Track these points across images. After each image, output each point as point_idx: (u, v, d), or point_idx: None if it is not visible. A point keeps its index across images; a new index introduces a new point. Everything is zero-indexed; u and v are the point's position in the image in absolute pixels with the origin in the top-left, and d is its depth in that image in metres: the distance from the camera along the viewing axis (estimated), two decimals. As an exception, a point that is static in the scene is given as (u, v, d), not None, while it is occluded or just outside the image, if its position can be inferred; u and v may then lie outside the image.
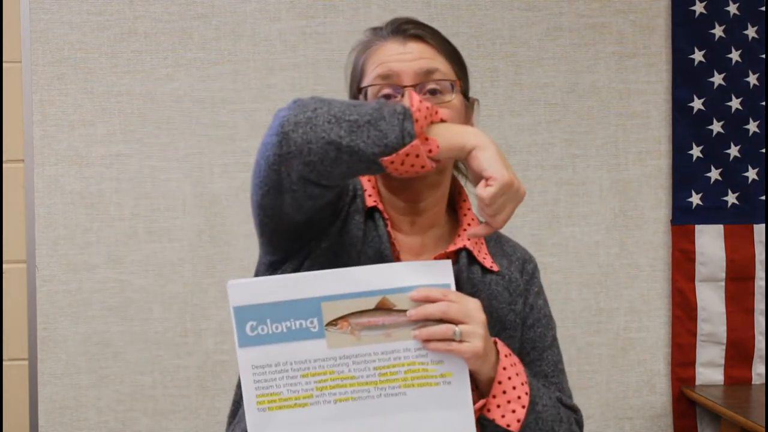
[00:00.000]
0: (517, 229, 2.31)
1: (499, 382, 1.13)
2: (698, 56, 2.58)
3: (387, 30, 1.25)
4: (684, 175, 2.60)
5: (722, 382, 2.61)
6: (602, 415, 2.60)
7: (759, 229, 2.62)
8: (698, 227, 2.60)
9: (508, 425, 1.13)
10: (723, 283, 2.61)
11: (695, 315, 2.60)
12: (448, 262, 1.12)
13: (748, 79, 2.60)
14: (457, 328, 1.07)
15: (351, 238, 1.20)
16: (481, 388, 1.14)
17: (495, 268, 1.26)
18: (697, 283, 2.60)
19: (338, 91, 2.47)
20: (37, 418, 2.43)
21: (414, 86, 1.19)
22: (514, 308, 1.26)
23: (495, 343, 1.15)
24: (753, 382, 2.63)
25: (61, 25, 2.43)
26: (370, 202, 1.23)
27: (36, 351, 2.43)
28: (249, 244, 2.27)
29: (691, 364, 2.61)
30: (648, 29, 2.59)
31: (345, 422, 1.08)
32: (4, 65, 2.42)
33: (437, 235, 1.28)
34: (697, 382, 2.61)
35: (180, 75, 2.46)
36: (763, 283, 2.62)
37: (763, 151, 2.62)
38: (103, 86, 2.45)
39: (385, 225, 1.22)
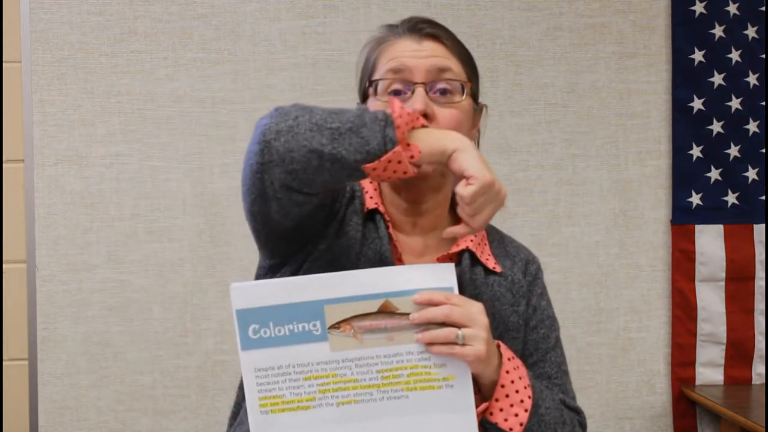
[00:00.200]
0: (517, 229, 2.32)
1: (502, 386, 1.12)
2: (698, 56, 2.58)
3: (402, 27, 1.25)
4: (684, 175, 2.60)
5: (722, 382, 2.61)
6: (602, 415, 2.60)
7: (759, 229, 2.62)
8: (698, 227, 2.60)
9: (511, 429, 1.12)
10: (723, 283, 2.61)
11: (695, 315, 2.60)
12: (451, 266, 1.11)
13: (748, 79, 2.60)
14: (459, 332, 1.07)
15: (349, 239, 1.20)
16: (483, 391, 1.14)
17: (498, 269, 1.26)
18: (697, 283, 2.60)
19: (338, 90, 2.48)
20: (37, 418, 2.43)
21: (425, 84, 1.19)
22: (517, 309, 1.25)
23: (498, 346, 1.15)
24: (753, 382, 2.63)
25: (61, 25, 2.43)
26: (371, 204, 1.23)
27: (36, 351, 2.43)
28: (249, 244, 2.27)
29: (691, 364, 2.61)
30: (648, 29, 2.59)
31: (347, 425, 1.08)
32: (4, 65, 2.42)
33: (440, 236, 1.27)
34: (697, 382, 2.61)
35: (180, 75, 2.46)
36: (763, 283, 2.62)
37: (763, 151, 2.62)
38: (103, 86, 2.45)
39: (386, 227, 1.22)
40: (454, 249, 1.23)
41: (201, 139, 2.46)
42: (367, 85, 1.24)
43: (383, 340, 1.07)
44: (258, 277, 1.26)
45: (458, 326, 1.07)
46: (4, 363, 2.41)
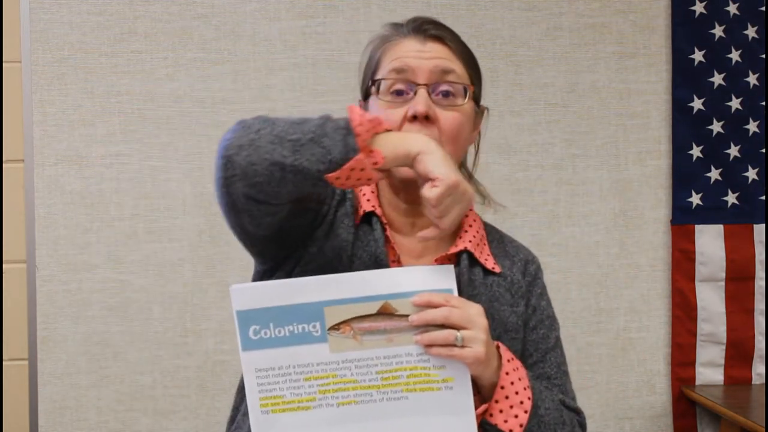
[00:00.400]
0: (517, 229, 2.31)
1: (502, 387, 1.12)
2: (698, 56, 2.58)
3: (407, 27, 1.25)
4: (684, 175, 2.60)
5: (722, 382, 2.61)
6: (602, 415, 2.60)
7: (759, 229, 2.62)
8: (698, 227, 2.60)
9: (511, 430, 1.12)
10: (723, 283, 2.61)
11: (695, 315, 2.60)
12: (451, 267, 1.12)
13: (748, 79, 2.60)
14: (458, 334, 1.07)
15: (340, 242, 1.20)
16: (483, 393, 1.14)
17: (497, 269, 1.26)
18: (697, 283, 2.60)
19: (338, 90, 2.47)
20: (37, 418, 2.44)
21: (427, 85, 1.19)
22: (516, 310, 1.25)
23: (497, 347, 1.15)
24: (753, 382, 2.63)
25: (61, 25, 2.43)
26: (367, 206, 1.23)
27: (36, 351, 2.43)
28: (249, 244, 2.26)
29: (691, 364, 2.61)
30: (648, 29, 2.59)
31: (347, 426, 1.09)
32: (4, 65, 2.42)
33: (439, 237, 1.28)
34: (697, 382, 2.61)
35: (180, 75, 2.46)
36: (763, 283, 2.62)
37: (763, 151, 2.62)
38: (103, 86, 2.45)
39: (383, 229, 1.22)
40: (453, 250, 1.23)
41: (201, 139, 2.46)
42: (369, 84, 1.24)
43: (383, 342, 1.08)
44: (254, 281, 1.26)
45: (457, 328, 1.07)
46: (4, 363, 2.41)
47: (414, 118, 1.18)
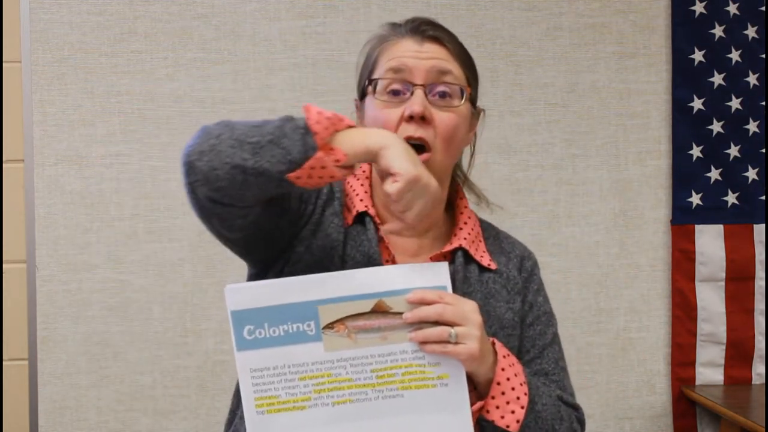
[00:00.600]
0: (517, 229, 2.30)
1: (498, 383, 1.13)
2: (698, 56, 2.58)
3: (406, 28, 1.25)
4: (684, 175, 2.60)
5: (722, 382, 2.61)
6: (602, 415, 2.60)
7: (759, 229, 2.62)
8: (698, 227, 2.60)
9: (508, 426, 1.13)
10: (723, 283, 2.61)
11: (695, 315, 2.60)
12: (445, 264, 1.12)
13: (748, 79, 2.60)
14: (452, 330, 1.07)
15: (331, 241, 1.20)
16: (479, 389, 1.14)
17: (492, 266, 1.26)
18: (697, 283, 2.60)
19: (338, 90, 2.47)
20: (37, 418, 2.44)
21: (424, 86, 1.19)
22: (512, 307, 1.25)
23: (493, 344, 1.15)
24: (753, 382, 2.63)
25: (61, 25, 2.43)
26: (360, 206, 1.23)
27: (36, 351, 2.43)
28: (249, 244, 2.27)
29: (691, 364, 2.61)
30: (648, 29, 2.59)
31: (343, 425, 1.09)
32: (4, 65, 2.42)
33: (434, 235, 1.28)
34: (697, 382, 2.61)
35: (180, 75, 2.46)
36: (763, 283, 2.62)
37: (763, 151, 2.62)
38: (103, 86, 2.45)
39: (376, 229, 1.22)
40: (448, 247, 1.24)
41: (201, 139, 2.46)
42: (366, 83, 1.24)
43: (377, 340, 1.08)
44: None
45: (451, 325, 1.08)
46: (4, 363, 2.41)
47: (410, 118, 1.18)
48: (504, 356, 1.15)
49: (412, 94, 1.19)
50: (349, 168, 1.08)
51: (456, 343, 1.07)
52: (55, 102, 2.44)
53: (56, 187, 2.44)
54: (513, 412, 1.13)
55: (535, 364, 1.26)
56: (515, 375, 1.14)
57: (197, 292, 2.47)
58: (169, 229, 2.47)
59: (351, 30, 2.48)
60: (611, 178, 2.59)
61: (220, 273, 2.47)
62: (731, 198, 2.61)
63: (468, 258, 1.25)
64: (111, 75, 2.45)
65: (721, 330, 2.61)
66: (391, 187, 1.05)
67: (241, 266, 2.59)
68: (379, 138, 1.08)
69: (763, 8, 2.59)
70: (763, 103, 2.61)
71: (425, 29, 1.24)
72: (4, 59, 2.42)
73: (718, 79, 2.59)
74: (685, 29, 2.58)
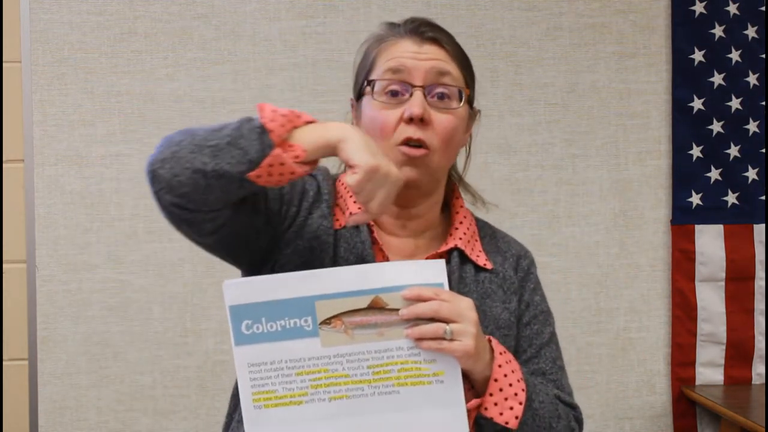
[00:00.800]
0: (517, 229, 2.30)
1: (495, 380, 1.13)
2: (698, 56, 2.58)
3: (404, 28, 1.25)
4: (684, 175, 2.60)
5: (722, 382, 2.61)
6: (602, 415, 2.60)
7: (759, 229, 2.62)
8: (698, 227, 2.60)
9: (507, 423, 1.12)
10: (723, 283, 2.61)
11: (695, 315, 2.60)
12: (442, 262, 1.12)
13: (748, 79, 2.60)
14: (448, 327, 1.07)
15: (320, 244, 1.20)
16: (476, 387, 1.14)
17: (488, 265, 1.26)
18: (697, 283, 2.60)
19: (338, 90, 2.47)
20: (37, 418, 2.44)
21: (423, 87, 1.19)
22: (508, 306, 1.25)
23: (489, 341, 1.15)
24: (753, 382, 2.63)
25: (61, 25, 2.43)
26: (353, 208, 1.22)
27: (36, 351, 2.43)
28: (249, 244, 2.27)
29: (691, 364, 2.61)
30: (648, 29, 2.59)
31: (339, 420, 1.09)
32: (4, 65, 2.42)
33: (431, 236, 1.28)
34: (697, 382, 2.61)
35: (180, 75, 2.47)
36: (763, 283, 2.62)
37: (763, 151, 2.62)
38: (103, 86, 2.45)
39: (370, 231, 1.22)
40: (443, 248, 1.24)
41: (201, 139, 2.46)
42: (365, 84, 1.23)
43: (373, 336, 1.08)
44: None
45: (447, 322, 1.08)
46: (4, 363, 2.41)
47: (410, 119, 1.18)
48: (501, 353, 1.15)
49: (411, 95, 1.19)
50: (311, 163, 1.09)
51: (451, 340, 1.07)
52: (55, 102, 2.44)
53: (56, 187, 2.44)
54: (511, 408, 1.13)
55: (532, 364, 1.25)
56: (512, 372, 1.14)
57: (197, 292, 2.47)
58: (169, 229, 2.43)
59: (351, 30, 2.48)
60: (611, 178, 2.59)
61: (220, 273, 2.46)
62: (731, 198, 2.61)
63: (464, 258, 1.25)
64: (111, 75, 2.45)
65: (721, 330, 2.61)
66: (350, 179, 1.05)
67: (241, 266, 2.58)
68: (338, 131, 1.08)
69: (763, 8, 2.59)
70: (763, 103, 2.61)
71: (424, 30, 1.24)
72: (4, 59, 2.43)
73: (718, 79, 2.59)
74: (685, 29, 2.58)
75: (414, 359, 1.08)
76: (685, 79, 2.58)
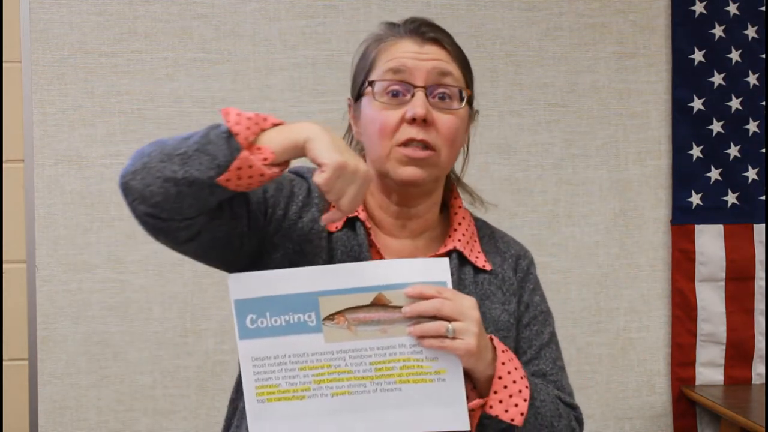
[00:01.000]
0: (517, 229, 2.31)
1: (500, 377, 1.12)
2: (698, 56, 2.58)
3: (405, 28, 1.24)
4: (684, 175, 2.60)
5: (722, 382, 2.61)
6: (602, 415, 2.60)
7: (759, 229, 2.62)
8: (698, 227, 2.60)
9: (512, 420, 1.12)
10: (723, 283, 2.61)
11: (695, 315, 2.60)
12: (445, 260, 1.12)
13: (748, 79, 2.61)
14: (450, 326, 1.07)
15: (313, 248, 1.20)
16: (479, 387, 1.14)
17: (488, 267, 1.26)
18: (697, 283, 2.60)
19: (338, 90, 2.47)
20: (37, 418, 2.44)
21: (425, 87, 1.19)
22: (508, 308, 1.25)
23: (491, 339, 1.15)
24: (753, 382, 2.63)
25: (61, 25, 2.43)
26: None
27: (36, 351, 2.43)
28: (249, 244, 2.26)
29: (691, 364, 2.61)
30: (648, 29, 2.59)
31: (341, 416, 1.09)
32: (4, 65, 2.42)
33: (430, 237, 1.28)
34: (697, 382, 2.61)
35: (180, 75, 2.46)
36: (763, 283, 2.62)
37: (763, 151, 2.62)
38: (103, 86, 2.45)
39: (367, 234, 1.22)
40: (442, 250, 1.24)
41: (201, 139, 2.46)
42: (366, 85, 1.23)
43: (376, 333, 1.08)
44: None
45: (449, 320, 1.08)
46: (4, 363, 2.41)
47: (413, 120, 1.17)
48: (503, 351, 1.15)
49: (412, 96, 1.19)
50: (282, 165, 1.09)
51: (453, 338, 1.07)
52: (55, 102, 2.44)
53: (56, 187, 2.44)
54: (516, 405, 1.13)
55: (532, 365, 1.25)
56: (515, 369, 1.14)
57: (197, 292, 2.47)
58: (169, 229, 2.46)
59: (351, 30, 2.48)
60: (611, 178, 2.59)
61: (219, 273, 2.44)
62: (731, 198, 2.61)
63: (462, 260, 1.25)
64: (111, 75, 2.45)
65: (721, 330, 2.61)
66: (317, 177, 1.05)
67: (241, 266, 2.57)
68: (305, 131, 1.07)
69: (763, 8, 2.59)
70: (763, 103, 2.61)
71: (425, 30, 1.23)
72: (4, 59, 2.42)
73: (718, 79, 2.59)
74: (685, 29, 2.58)
75: (416, 357, 1.09)
76: (685, 79, 2.58)
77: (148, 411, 2.47)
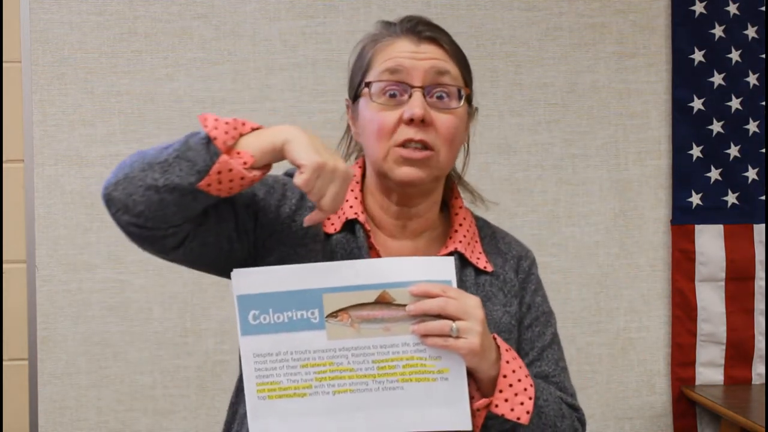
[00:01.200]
0: (517, 229, 2.30)
1: (504, 376, 1.12)
2: (698, 56, 2.58)
3: (401, 27, 1.23)
4: (684, 175, 2.60)
5: (722, 382, 2.61)
6: (602, 415, 2.60)
7: (759, 229, 2.62)
8: (698, 227, 2.60)
9: (518, 418, 1.12)
10: (723, 283, 2.61)
11: (695, 315, 2.60)
12: (451, 259, 1.12)
13: (748, 79, 2.61)
14: (454, 325, 1.07)
15: (307, 251, 1.19)
16: (482, 388, 1.13)
17: (489, 268, 1.25)
18: (697, 283, 2.60)
19: (338, 90, 2.47)
20: (37, 418, 2.43)
21: (422, 87, 1.18)
22: (509, 310, 1.25)
23: (494, 338, 1.15)
24: (753, 382, 2.63)
25: (61, 25, 2.43)
26: (350, 213, 1.22)
27: (36, 351, 2.43)
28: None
29: (691, 364, 2.61)
30: (648, 29, 2.59)
31: (342, 414, 1.09)
32: (4, 65, 2.42)
33: (430, 237, 1.27)
34: (697, 382, 2.61)
35: (180, 75, 2.46)
36: (763, 283, 2.62)
37: (763, 151, 2.62)
38: (103, 86, 2.45)
39: (366, 236, 1.21)
40: (443, 251, 1.23)
41: (201, 139, 2.46)
42: (363, 86, 1.22)
43: (380, 331, 1.08)
44: None
45: (453, 319, 1.08)
46: (4, 363, 2.41)
47: (411, 121, 1.17)
48: (507, 350, 1.15)
49: (410, 96, 1.18)
50: (263, 168, 1.09)
51: (457, 337, 1.07)
52: (55, 102, 2.44)
53: (56, 187, 2.44)
54: (522, 404, 1.12)
55: (534, 367, 1.25)
56: (519, 368, 1.14)
57: (197, 292, 2.47)
58: (169, 229, 2.46)
59: (351, 30, 2.48)
60: (611, 178, 2.59)
61: (220, 273, 2.46)
62: (731, 198, 2.61)
63: (464, 261, 1.24)
64: (111, 75, 2.45)
65: (721, 330, 2.61)
66: (297, 179, 1.05)
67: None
68: (283, 134, 1.07)
69: (763, 8, 2.59)
70: (763, 103, 2.61)
71: (422, 29, 1.22)
72: (4, 59, 2.42)
73: (718, 79, 2.59)
74: (685, 29, 2.58)
75: (419, 355, 1.08)
76: (685, 79, 2.58)
77: (148, 411, 2.47)
